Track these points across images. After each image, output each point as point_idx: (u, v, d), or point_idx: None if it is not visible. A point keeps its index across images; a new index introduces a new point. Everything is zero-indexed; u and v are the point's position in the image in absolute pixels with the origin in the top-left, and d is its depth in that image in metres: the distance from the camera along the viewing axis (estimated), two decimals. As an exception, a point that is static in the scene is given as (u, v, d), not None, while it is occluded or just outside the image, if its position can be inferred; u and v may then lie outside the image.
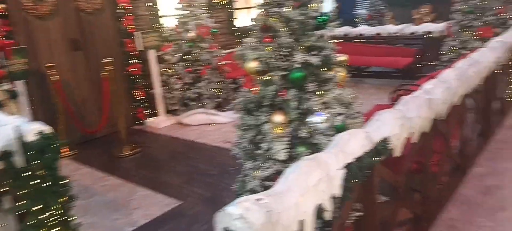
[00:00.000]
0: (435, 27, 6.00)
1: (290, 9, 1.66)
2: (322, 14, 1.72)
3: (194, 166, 4.10)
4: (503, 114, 4.44)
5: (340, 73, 1.82)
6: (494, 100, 4.09)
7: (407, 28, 6.37)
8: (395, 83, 4.73)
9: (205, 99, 5.39)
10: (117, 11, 5.19)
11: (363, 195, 1.73)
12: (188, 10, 5.42)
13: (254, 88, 1.80)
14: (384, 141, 1.71)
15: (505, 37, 3.91)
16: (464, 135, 3.29)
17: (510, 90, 4.67)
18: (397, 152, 1.87)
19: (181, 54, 5.37)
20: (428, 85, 2.35)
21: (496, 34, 4.57)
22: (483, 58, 3.09)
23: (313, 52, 1.71)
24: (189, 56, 5.34)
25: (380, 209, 1.97)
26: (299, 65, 1.66)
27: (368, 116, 2.11)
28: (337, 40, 6.48)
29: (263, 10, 1.76)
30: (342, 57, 1.85)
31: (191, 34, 5.31)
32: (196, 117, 5.35)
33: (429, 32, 6.05)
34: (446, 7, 5.73)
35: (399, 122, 1.78)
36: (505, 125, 4.27)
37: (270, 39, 1.72)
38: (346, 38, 7.16)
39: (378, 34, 6.74)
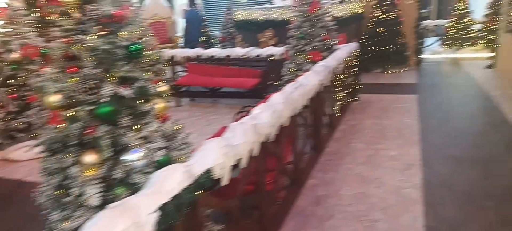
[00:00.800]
0: (277, 51, 6.55)
1: (95, 37, 1.49)
2: (134, 43, 1.60)
3: (21, 211, 3.46)
4: (332, 128, 5.05)
5: (160, 105, 1.72)
6: (323, 116, 4.63)
7: (253, 51, 6.79)
8: (247, 102, 4.93)
9: (37, 129, 4.67)
10: None
11: (189, 231, 1.66)
12: (11, 28, 4.65)
13: (60, 125, 1.55)
14: (207, 172, 1.68)
15: (327, 62, 4.48)
16: (298, 150, 3.59)
17: (337, 107, 5.38)
18: (225, 180, 1.87)
19: (1, 79, 4.54)
20: (256, 110, 2.46)
21: (324, 58, 5.21)
22: (307, 82, 3.45)
23: (125, 84, 1.58)
24: (13, 81, 4.57)
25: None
26: (108, 98, 1.50)
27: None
28: (190, 61, 6.42)
29: (65, 36, 1.55)
30: (162, 87, 1.76)
31: (15, 55, 4.56)
32: (25, 150, 4.58)
33: (272, 55, 6.56)
34: (285, 32, 6.31)
35: (222, 150, 1.78)
36: (334, 138, 4.85)
37: (75, 69, 1.52)
38: (199, 59, 7.24)
39: (228, 56, 7.00)
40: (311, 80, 3.54)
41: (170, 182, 1.47)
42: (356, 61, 6.22)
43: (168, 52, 7.49)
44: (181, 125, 1.87)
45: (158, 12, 11.49)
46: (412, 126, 5.03)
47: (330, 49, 5.60)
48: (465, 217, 2.95)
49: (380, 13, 8.36)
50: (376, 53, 8.53)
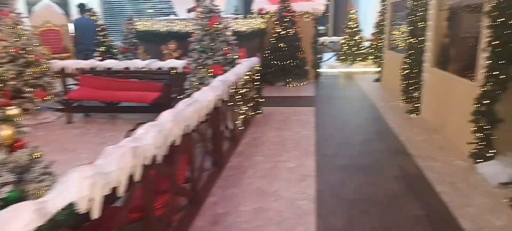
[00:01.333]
0: (179, 63, 6.37)
1: None
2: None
3: None
4: (235, 142, 5.04)
5: (6, 131, 1.46)
6: (224, 131, 4.58)
7: (154, 64, 6.52)
8: (148, 117, 4.62)
9: None
10: None
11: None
12: None
13: None
14: (69, 207, 1.46)
15: (226, 77, 4.46)
16: (196, 168, 3.46)
17: (239, 120, 5.39)
18: (96, 213, 1.66)
19: None
20: (140, 130, 2.29)
21: (226, 72, 5.19)
22: (203, 97, 3.36)
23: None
24: None
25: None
26: None
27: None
28: (85, 74, 5.84)
29: None
30: (12, 111, 1.50)
31: None
32: None
33: (174, 68, 6.37)
34: (189, 45, 6.17)
35: (89, 180, 1.57)
36: (236, 152, 4.83)
37: None
38: (94, 72, 6.70)
39: (126, 68, 6.60)
40: (207, 95, 3.47)
41: (14, 224, 1.24)
42: (257, 75, 6.35)
43: (57, 64, 6.80)
44: (39, 153, 1.61)
45: (51, 19, 10.47)
46: (309, 137, 5.28)
47: (232, 64, 5.62)
48: (351, 224, 3.12)
49: (281, 29, 8.73)
50: (279, 67, 8.86)
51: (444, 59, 5.44)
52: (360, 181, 3.90)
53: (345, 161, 4.42)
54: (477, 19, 4.30)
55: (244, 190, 3.76)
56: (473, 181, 3.76)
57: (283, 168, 4.25)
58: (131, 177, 2.02)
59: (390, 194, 3.61)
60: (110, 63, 6.74)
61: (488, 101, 3.82)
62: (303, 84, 9.05)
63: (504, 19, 3.61)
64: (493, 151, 3.87)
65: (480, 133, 3.92)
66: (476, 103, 3.91)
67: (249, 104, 5.92)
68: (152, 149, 2.22)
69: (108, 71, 6.67)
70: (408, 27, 6.37)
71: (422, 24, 5.90)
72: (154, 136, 2.25)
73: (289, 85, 8.92)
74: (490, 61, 3.77)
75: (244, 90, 5.56)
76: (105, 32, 9.52)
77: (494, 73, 3.74)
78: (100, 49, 9.27)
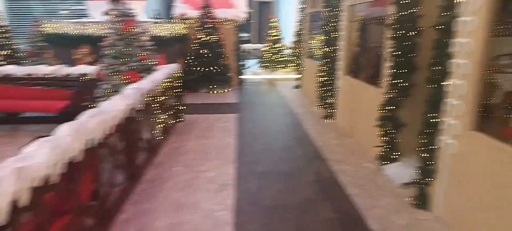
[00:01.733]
0: (91, 70, 5.93)
1: None
2: None
3: None
4: (152, 152, 4.79)
5: None
6: (139, 142, 4.33)
7: (62, 70, 5.97)
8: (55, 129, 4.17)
9: None
10: None
11: None
12: None
13: None
14: None
15: (140, 84, 4.23)
16: (104, 184, 3.20)
17: (157, 130, 5.16)
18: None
19: None
20: (30, 147, 2.03)
21: (142, 79, 4.93)
22: (111, 107, 3.12)
23: None
24: None
25: None
26: None
27: None
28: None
29: None
30: None
31: None
32: None
33: (85, 74, 5.90)
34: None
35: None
36: (154, 163, 4.60)
37: None
38: (-9, 79, 5.94)
39: (29, 75, 5.96)
40: (116, 105, 3.23)
41: None
42: (178, 82, 6.16)
43: None
44: None
45: None
46: (231, 144, 5.24)
47: (149, 70, 5.38)
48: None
49: (203, 36, 8.62)
50: (202, 73, 8.74)
51: (355, 68, 5.80)
52: (280, 187, 3.94)
53: (266, 168, 4.45)
54: (382, 31, 4.64)
55: (160, 204, 3.58)
56: (380, 183, 4.02)
57: (204, 178, 4.14)
58: (16, 202, 1.77)
59: (307, 199, 3.70)
60: (10, 69, 6.02)
61: (392, 107, 4.13)
62: (227, 91, 9.03)
63: (404, 31, 3.93)
64: (397, 153, 4.19)
65: (386, 137, 4.22)
66: (382, 109, 4.21)
67: (169, 113, 5.71)
68: (44, 168, 1.97)
69: (9, 78, 5.96)
70: (323, 36, 6.68)
71: (335, 34, 6.24)
72: (47, 153, 2.01)
73: (212, 92, 8.84)
74: (393, 70, 4.08)
75: (163, 98, 5.35)
76: (7, 35, 8.53)
77: (396, 81, 4.05)
78: (2, 53, 8.27)
